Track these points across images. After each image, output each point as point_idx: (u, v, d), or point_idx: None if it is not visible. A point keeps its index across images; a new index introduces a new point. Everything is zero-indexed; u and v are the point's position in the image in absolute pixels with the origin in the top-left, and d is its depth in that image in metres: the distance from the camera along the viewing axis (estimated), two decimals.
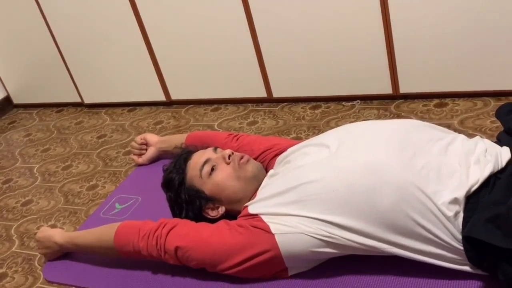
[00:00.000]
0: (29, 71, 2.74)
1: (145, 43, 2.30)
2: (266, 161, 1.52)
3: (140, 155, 1.98)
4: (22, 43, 2.65)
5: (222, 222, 1.33)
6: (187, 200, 1.42)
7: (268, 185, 1.34)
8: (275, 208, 1.25)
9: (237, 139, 1.66)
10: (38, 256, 1.67)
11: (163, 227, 1.34)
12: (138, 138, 1.98)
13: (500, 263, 1.05)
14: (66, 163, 2.21)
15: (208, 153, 1.45)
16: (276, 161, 1.47)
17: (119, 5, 2.24)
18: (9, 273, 1.63)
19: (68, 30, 2.45)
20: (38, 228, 1.82)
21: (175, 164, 1.46)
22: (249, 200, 1.37)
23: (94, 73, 2.53)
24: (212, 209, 1.42)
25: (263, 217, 1.25)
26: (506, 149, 1.20)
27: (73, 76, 2.60)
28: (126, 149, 2.18)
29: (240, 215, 1.34)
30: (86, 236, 1.51)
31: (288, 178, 1.27)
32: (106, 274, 1.51)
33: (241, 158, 1.42)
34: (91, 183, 2.02)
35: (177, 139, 1.88)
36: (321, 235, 1.17)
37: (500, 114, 1.31)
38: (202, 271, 1.34)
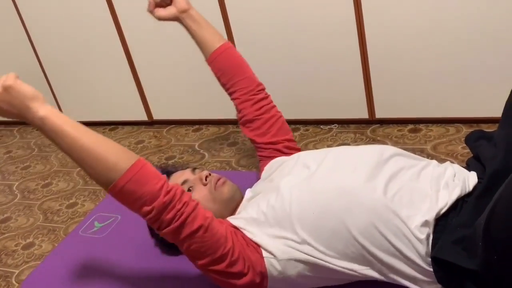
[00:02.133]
0: None
1: (128, 63, 2.33)
2: (265, 153, 1.54)
3: (159, 4, 1.59)
4: (5, 60, 2.65)
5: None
6: None
7: (249, 207, 1.33)
8: (255, 228, 1.25)
9: (261, 103, 1.56)
10: (16, 273, 1.66)
11: (190, 198, 1.18)
12: None
13: (466, 283, 1.08)
14: (46, 181, 2.22)
15: (186, 174, 1.42)
16: (265, 168, 1.48)
17: (103, 24, 2.27)
18: None
19: (52, 49, 2.47)
20: (16, 246, 1.81)
21: None
22: (227, 216, 1.36)
23: (77, 92, 2.55)
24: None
25: (245, 232, 1.25)
26: (473, 174, 1.24)
27: (55, 94, 2.61)
28: None
29: None
30: (84, 131, 1.13)
31: (269, 201, 1.26)
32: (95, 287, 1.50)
33: (218, 180, 1.39)
34: (70, 201, 2.02)
35: (210, 34, 1.58)
36: (300, 257, 1.19)
37: (469, 140, 1.35)
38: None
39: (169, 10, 1.57)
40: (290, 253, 1.19)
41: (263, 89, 1.59)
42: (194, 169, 1.46)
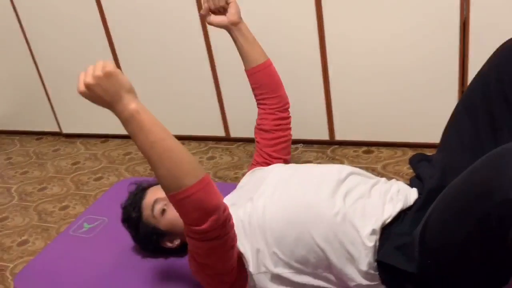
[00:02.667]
0: (13, 101, 2.70)
1: None
2: (260, 159, 1.51)
3: (213, 11, 1.47)
4: (8, 76, 2.62)
5: None
6: (145, 235, 1.39)
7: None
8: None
9: (281, 120, 1.52)
10: (10, 267, 1.64)
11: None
12: None
13: (405, 284, 1.10)
14: (42, 185, 2.19)
15: (158, 192, 1.35)
16: (246, 175, 1.46)
17: (99, 45, 2.26)
18: None
19: (52, 66, 2.46)
20: (12, 242, 1.79)
21: (131, 202, 1.39)
22: None
23: (72, 106, 2.53)
24: (169, 241, 1.41)
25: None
26: (414, 190, 1.26)
27: (53, 107, 2.59)
28: (97, 175, 2.18)
29: None
30: (168, 133, 1.01)
31: (245, 209, 1.26)
32: (82, 282, 1.47)
33: None
34: (63, 204, 2.01)
35: (254, 50, 1.48)
36: (269, 270, 1.20)
37: (412, 161, 1.37)
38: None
39: (221, 19, 1.46)
40: (260, 268, 1.20)
41: (288, 108, 1.55)
42: None
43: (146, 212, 1.37)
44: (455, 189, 0.96)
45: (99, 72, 0.94)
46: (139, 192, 1.42)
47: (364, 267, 1.16)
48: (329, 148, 2.05)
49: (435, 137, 1.35)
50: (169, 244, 1.43)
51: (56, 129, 2.67)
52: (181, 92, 2.24)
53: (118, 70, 0.96)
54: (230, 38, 1.94)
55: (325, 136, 2.05)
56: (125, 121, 0.98)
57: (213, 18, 1.46)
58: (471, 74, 1.70)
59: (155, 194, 1.37)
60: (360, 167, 1.73)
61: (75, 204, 1.99)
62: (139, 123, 0.97)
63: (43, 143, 2.66)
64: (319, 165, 1.38)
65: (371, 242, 1.15)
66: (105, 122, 2.50)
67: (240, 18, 1.46)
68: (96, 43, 2.27)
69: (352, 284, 1.19)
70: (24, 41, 2.43)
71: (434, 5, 1.67)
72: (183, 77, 2.19)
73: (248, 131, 2.20)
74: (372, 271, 1.16)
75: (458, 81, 1.75)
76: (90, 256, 1.61)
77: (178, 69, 2.18)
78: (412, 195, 1.25)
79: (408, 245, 1.08)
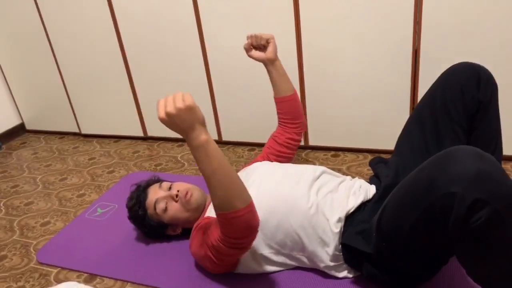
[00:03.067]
0: (40, 106, 2.67)
1: (131, 90, 2.31)
2: (263, 156, 1.51)
3: (254, 47, 1.46)
4: (36, 83, 2.58)
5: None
6: (151, 228, 1.40)
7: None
8: None
9: (292, 140, 1.53)
10: (34, 243, 1.61)
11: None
12: (269, 36, 1.44)
13: (363, 263, 1.12)
14: (63, 176, 2.16)
15: (157, 192, 1.36)
16: (245, 168, 1.46)
17: (114, 59, 2.24)
18: (8, 255, 1.56)
19: (74, 75, 2.43)
20: (35, 223, 1.76)
21: (135, 202, 1.39)
22: (199, 216, 1.36)
23: (91, 110, 2.50)
24: (172, 230, 1.42)
25: None
26: (373, 186, 1.29)
27: (74, 111, 2.56)
28: (110, 169, 2.16)
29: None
30: (227, 162, 1.00)
31: None
32: (95, 257, 1.46)
33: (186, 195, 1.33)
34: (80, 192, 1.98)
35: (284, 84, 1.49)
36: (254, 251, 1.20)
37: (371, 164, 1.39)
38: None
39: (260, 55, 1.46)
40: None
41: (301, 133, 1.55)
42: (160, 184, 1.39)
43: (150, 210, 1.37)
44: (406, 184, 0.96)
45: (180, 104, 0.92)
46: (141, 193, 1.40)
47: (331, 249, 1.16)
48: (304, 151, 2.05)
49: (390, 145, 1.36)
50: (172, 233, 1.43)
51: (76, 130, 2.63)
52: None
53: (196, 104, 0.94)
54: (226, 53, 1.96)
55: (301, 142, 2.04)
56: (194, 148, 0.97)
57: (254, 52, 1.46)
58: (420, 94, 1.73)
59: (155, 194, 1.36)
60: (329, 168, 1.75)
61: (91, 192, 1.96)
62: (207, 152, 0.96)
63: (65, 141, 2.63)
64: (296, 164, 1.39)
65: (337, 228, 1.16)
66: (118, 125, 2.48)
67: (276, 56, 1.46)
68: (111, 57, 2.25)
69: (322, 265, 1.20)
70: (51, 52, 2.40)
71: (391, 38, 1.69)
72: (183, 88, 2.19)
73: (236, 136, 2.22)
74: (337, 253, 1.17)
75: (409, 99, 1.78)
76: (102, 235, 1.59)
77: (180, 85, 2.17)
78: (371, 190, 1.27)
79: (367, 230, 1.09)
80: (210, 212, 1.31)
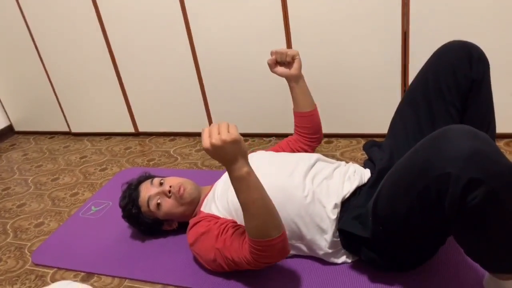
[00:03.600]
0: (28, 105, 2.63)
1: (120, 87, 2.28)
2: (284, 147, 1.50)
3: (278, 63, 1.43)
4: (23, 83, 2.54)
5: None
6: (146, 226, 1.39)
7: (214, 202, 1.29)
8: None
9: (303, 147, 1.51)
10: (28, 245, 1.58)
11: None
12: (294, 52, 1.38)
13: (361, 247, 1.11)
14: (55, 176, 2.13)
15: (149, 189, 1.34)
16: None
17: (101, 56, 2.21)
18: (3, 258, 1.54)
19: (61, 75, 2.39)
20: (29, 225, 1.73)
21: (129, 201, 1.36)
22: (194, 209, 1.34)
23: (80, 109, 2.47)
24: (168, 225, 1.40)
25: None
26: (367, 170, 1.28)
27: (63, 110, 2.52)
28: (102, 166, 2.14)
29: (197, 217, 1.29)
30: (266, 193, 1.03)
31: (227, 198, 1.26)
32: (91, 255, 1.44)
33: (179, 190, 1.31)
34: (73, 191, 1.95)
35: (305, 100, 1.46)
36: None
37: (365, 147, 1.38)
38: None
39: (285, 71, 1.42)
40: None
41: (317, 146, 1.54)
42: (151, 180, 1.37)
43: (143, 208, 1.35)
44: (400, 167, 0.96)
45: (226, 137, 0.93)
46: (133, 191, 1.37)
47: (330, 236, 1.16)
48: None
49: (383, 129, 1.35)
50: (168, 228, 1.42)
51: (66, 129, 2.60)
52: (173, 96, 2.21)
53: (240, 136, 0.95)
54: (215, 44, 1.94)
55: (291, 130, 2.01)
56: (235, 179, 0.98)
57: (278, 69, 1.43)
58: (411, 76, 1.73)
59: (146, 192, 1.34)
60: (323, 154, 1.74)
61: (84, 191, 1.94)
62: (247, 183, 0.98)
63: (55, 141, 2.59)
64: (291, 153, 1.37)
65: (334, 215, 1.16)
66: (108, 122, 2.46)
67: (300, 72, 1.43)
68: (98, 54, 2.21)
69: (321, 252, 1.19)
70: (36, 52, 2.36)
71: (380, 21, 1.68)
72: (173, 87, 2.16)
73: None
74: (335, 239, 1.16)
75: (400, 82, 1.77)
76: (97, 233, 1.58)
77: (169, 80, 2.15)
78: (366, 174, 1.26)
79: (363, 215, 1.09)
80: (206, 206, 1.30)
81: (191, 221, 1.28)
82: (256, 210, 1.00)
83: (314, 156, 1.32)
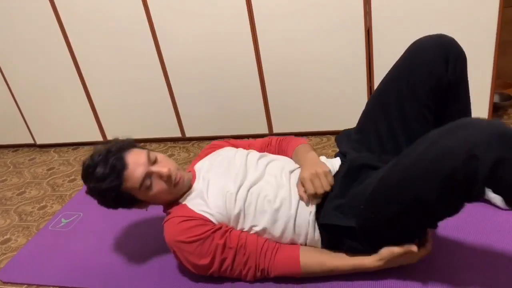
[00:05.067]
0: None
1: (85, 94, 2.21)
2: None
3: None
4: None
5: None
6: (118, 203, 1.19)
7: (203, 200, 1.20)
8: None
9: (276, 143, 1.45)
10: None
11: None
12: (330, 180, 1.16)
13: (343, 239, 1.10)
14: (21, 190, 2.04)
15: (141, 164, 1.14)
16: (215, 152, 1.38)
17: (64, 64, 2.13)
18: None
19: (23, 85, 2.30)
20: None
21: (111, 169, 1.12)
22: (175, 199, 1.22)
23: (44, 119, 2.38)
24: (139, 207, 1.23)
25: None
26: (337, 159, 1.24)
27: (27, 122, 2.42)
28: (71, 177, 2.06)
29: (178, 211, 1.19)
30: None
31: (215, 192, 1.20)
32: (63, 268, 1.38)
33: (179, 180, 1.19)
34: (41, 204, 1.88)
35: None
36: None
37: (337, 139, 1.34)
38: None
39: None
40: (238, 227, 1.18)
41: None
42: (147, 153, 1.17)
43: (129, 184, 1.13)
44: (415, 156, 0.91)
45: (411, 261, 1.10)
46: (116, 160, 1.13)
47: (315, 235, 1.16)
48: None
49: (352, 124, 1.34)
50: (138, 208, 1.25)
51: (31, 141, 2.50)
52: (142, 101, 2.16)
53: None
54: (181, 44, 1.91)
55: (265, 130, 2.04)
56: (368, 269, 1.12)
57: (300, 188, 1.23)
58: (376, 72, 1.76)
59: (140, 167, 1.13)
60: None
61: (52, 203, 1.86)
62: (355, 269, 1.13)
63: (19, 154, 2.49)
64: (270, 157, 1.31)
65: (313, 216, 1.14)
66: (75, 131, 2.38)
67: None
68: (61, 61, 2.14)
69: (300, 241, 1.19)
70: None
71: (343, 18, 1.70)
72: (142, 91, 2.12)
73: (200, 131, 2.18)
74: (316, 238, 1.16)
75: (366, 77, 1.80)
76: (69, 246, 1.52)
77: (137, 85, 2.10)
78: (336, 163, 1.23)
79: (344, 205, 1.07)
80: (190, 201, 1.20)
81: (175, 213, 1.18)
82: (335, 273, 1.15)
83: (287, 160, 1.30)
